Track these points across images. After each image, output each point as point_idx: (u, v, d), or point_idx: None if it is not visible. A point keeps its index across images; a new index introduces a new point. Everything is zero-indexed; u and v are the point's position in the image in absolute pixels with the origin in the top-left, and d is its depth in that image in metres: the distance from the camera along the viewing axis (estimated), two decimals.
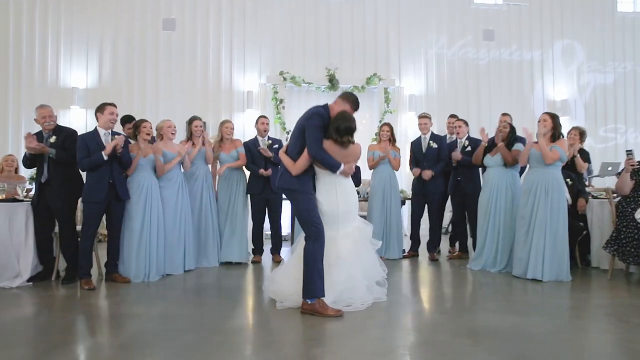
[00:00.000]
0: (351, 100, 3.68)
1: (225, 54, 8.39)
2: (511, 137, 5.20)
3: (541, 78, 9.06)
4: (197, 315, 3.55)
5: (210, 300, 4.05)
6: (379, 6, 8.70)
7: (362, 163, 6.15)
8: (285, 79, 8.23)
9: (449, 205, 6.10)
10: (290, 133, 4.62)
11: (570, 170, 5.36)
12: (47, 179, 4.56)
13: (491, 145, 5.35)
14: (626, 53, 9.23)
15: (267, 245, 5.95)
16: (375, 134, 7.47)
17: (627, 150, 4.77)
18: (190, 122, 5.51)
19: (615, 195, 4.91)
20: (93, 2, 8.19)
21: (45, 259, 4.65)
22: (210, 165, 5.63)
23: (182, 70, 8.29)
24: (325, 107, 3.65)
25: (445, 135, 6.24)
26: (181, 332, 3.12)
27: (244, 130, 7.87)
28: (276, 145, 5.62)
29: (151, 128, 4.92)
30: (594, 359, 2.79)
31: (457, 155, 5.66)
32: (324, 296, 3.46)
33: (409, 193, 6.33)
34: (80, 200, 4.63)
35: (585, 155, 5.74)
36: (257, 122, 5.83)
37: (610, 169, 6.72)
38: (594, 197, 5.33)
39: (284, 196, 4.58)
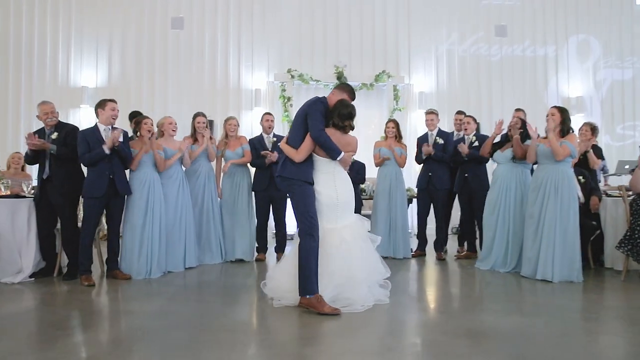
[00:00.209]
0: (347, 89, 3.77)
1: (233, 52, 8.38)
2: (523, 133, 5.03)
3: (555, 74, 8.83)
4: (191, 312, 3.50)
5: (208, 297, 4.00)
6: (388, 1, 8.58)
7: (367, 160, 6.08)
8: (293, 76, 8.17)
9: (458, 204, 5.94)
10: (291, 125, 4.59)
11: (583, 167, 5.17)
12: (48, 175, 4.57)
13: (502, 142, 5.20)
14: None
15: (272, 244, 5.89)
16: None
17: None
18: (194, 118, 5.51)
19: (629, 192, 4.70)
20: (103, 2, 8.27)
21: (48, 255, 4.66)
22: (213, 163, 5.60)
23: (190, 69, 8.32)
24: (324, 98, 3.71)
25: (452, 132, 6.08)
26: (172, 328, 3.07)
27: (252, 128, 7.83)
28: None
29: (152, 124, 4.90)
30: None
31: (464, 148, 5.50)
32: (317, 292, 3.39)
33: (416, 191, 6.19)
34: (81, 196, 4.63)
35: (598, 152, 5.52)
36: (261, 120, 5.80)
37: (627, 167, 6.51)
38: (608, 195, 5.12)
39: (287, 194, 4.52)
